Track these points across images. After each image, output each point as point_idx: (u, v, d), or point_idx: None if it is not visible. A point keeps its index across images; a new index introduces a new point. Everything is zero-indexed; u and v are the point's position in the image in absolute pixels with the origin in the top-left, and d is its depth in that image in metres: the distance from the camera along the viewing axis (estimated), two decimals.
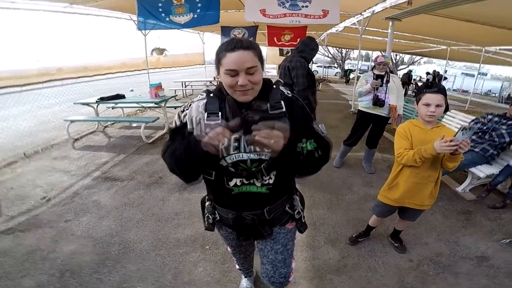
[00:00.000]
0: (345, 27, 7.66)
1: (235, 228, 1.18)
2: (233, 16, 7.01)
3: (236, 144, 1.00)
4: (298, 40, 8.37)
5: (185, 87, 10.14)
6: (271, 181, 1.08)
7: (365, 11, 5.54)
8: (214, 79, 9.91)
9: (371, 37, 8.77)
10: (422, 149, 1.64)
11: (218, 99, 1.06)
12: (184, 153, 0.97)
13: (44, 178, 3.49)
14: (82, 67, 6.75)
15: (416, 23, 5.55)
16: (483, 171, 3.10)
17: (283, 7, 4.06)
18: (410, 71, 15.34)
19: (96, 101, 5.18)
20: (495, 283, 2.03)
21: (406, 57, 24.79)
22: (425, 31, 7.03)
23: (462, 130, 1.44)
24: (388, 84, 3.37)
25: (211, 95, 1.08)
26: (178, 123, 1.09)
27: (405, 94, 13.43)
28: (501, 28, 4.93)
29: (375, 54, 18.82)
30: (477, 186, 3.37)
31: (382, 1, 4.55)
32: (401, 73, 15.56)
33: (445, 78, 13.71)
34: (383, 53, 4.05)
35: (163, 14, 4.84)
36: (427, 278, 2.05)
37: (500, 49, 8.05)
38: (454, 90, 20.78)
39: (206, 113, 1.02)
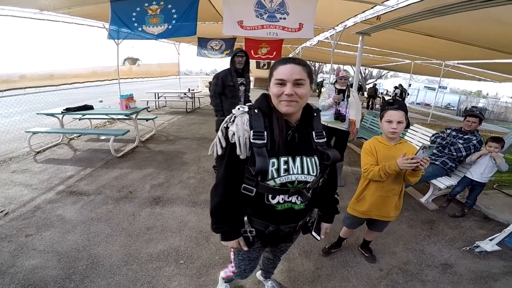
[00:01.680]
0: (318, 41, 7.94)
1: (266, 237, 1.26)
2: (210, 28, 7.07)
3: (286, 166, 1.08)
4: (275, 53, 8.67)
5: (158, 98, 9.92)
6: (309, 197, 1.18)
7: (337, 25, 5.79)
8: (189, 90, 9.81)
9: (342, 51, 9.16)
10: (386, 165, 1.76)
11: (263, 116, 1.09)
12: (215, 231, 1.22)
13: (1, 191, 3.28)
14: (48, 75, 6.45)
15: (383, 38, 5.87)
16: (443, 182, 3.34)
17: (260, 18, 4.08)
18: (375, 84, 16.12)
19: (62, 112, 4.91)
20: None
21: (375, 71, 26.17)
22: (391, 45, 7.44)
23: (422, 149, 1.59)
24: (349, 99, 3.51)
25: (256, 110, 1.10)
26: (224, 143, 1.10)
27: (372, 108, 14.14)
28: (458, 42, 5.31)
29: (346, 67, 19.71)
30: (438, 196, 3.61)
31: (353, 16, 4.78)
32: (368, 87, 16.31)
33: (408, 94, 14.53)
34: (344, 68, 4.27)
35: (135, 24, 4.72)
36: (397, 287, 2.13)
37: (458, 63, 8.67)
38: (417, 103, 22.15)
39: (252, 132, 1.05)
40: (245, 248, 1.25)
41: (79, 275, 2.06)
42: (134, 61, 8.41)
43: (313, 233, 1.34)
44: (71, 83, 6.84)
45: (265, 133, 1.05)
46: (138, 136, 5.30)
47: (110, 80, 7.86)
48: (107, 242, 2.44)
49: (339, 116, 3.49)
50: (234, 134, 1.06)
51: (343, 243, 2.49)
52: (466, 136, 3.24)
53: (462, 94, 23.18)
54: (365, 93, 16.45)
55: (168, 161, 4.43)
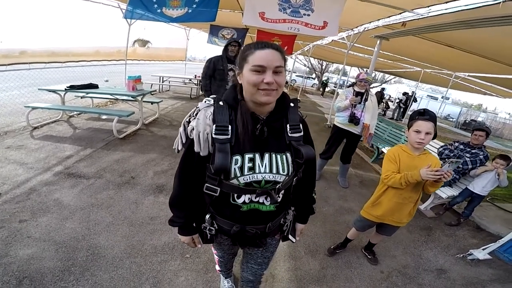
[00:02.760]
0: (332, 40, 7.84)
1: (234, 237, 1.15)
2: (225, 16, 6.90)
3: (251, 164, 0.98)
4: (286, 48, 8.54)
5: (163, 82, 9.82)
6: (279, 199, 1.08)
7: (357, 27, 5.69)
8: (195, 77, 9.70)
9: (355, 53, 9.08)
10: (408, 174, 1.76)
11: (229, 109, 1.00)
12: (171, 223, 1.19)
13: None
14: (50, 52, 6.23)
15: (399, 44, 5.79)
16: (445, 192, 3.45)
17: (283, 12, 3.96)
18: (383, 89, 16.10)
19: (65, 89, 4.79)
20: None
21: (378, 76, 26.12)
22: (405, 52, 7.38)
23: (449, 163, 1.60)
24: (366, 103, 3.46)
25: (221, 103, 1.00)
26: (184, 139, 1.03)
27: None
28: (476, 55, 5.23)
29: (353, 69, 19.56)
30: (436, 204, 3.68)
31: (376, 20, 4.68)
32: (373, 90, 16.30)
33: (415, 100, 14.53)
34: (366, 70, 4.20)
35: (155, 5, 4.57)
36: None
37: (469, 75, 8.62)
38: None
39: (214, 126, 0.96)
40: (198, 245, 1.23)
41: (79, 267, 1.93)
42: (144, 43, 8.23)
43: (289, 236, 1.28)
44: (78, 61, 6.72)
45: (230, 127, 0.96)
46: (142, 119, 5.22)
47: (117, 60, 7.73)
48: (108, 232, 2.31)
49: (353, 119, 3.46)
50: (193, 129, 0.97)
51: (348, 244, 2.52)
52: (473, 151, 3.30)
53: (463, 106, 23.26)
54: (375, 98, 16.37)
55: (172, 147, 4.24)
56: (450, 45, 5.10)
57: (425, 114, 1.78)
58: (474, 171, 3.21)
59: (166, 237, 2.33)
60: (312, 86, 26.09)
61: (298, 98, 1.13)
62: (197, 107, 1.02)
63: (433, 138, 1.82)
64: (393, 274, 2.37)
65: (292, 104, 1.07)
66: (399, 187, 1.84)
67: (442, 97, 17.83)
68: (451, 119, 21.62)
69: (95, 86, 5.13)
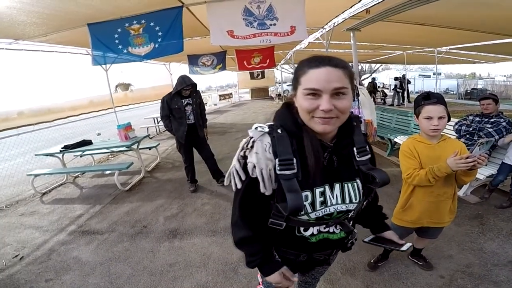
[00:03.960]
0: (309, 43, 7.82)
1: (297, 265, 1.04)
2: (199, 44, 6.91)
3: (322, 198, 0.87)
4: (268, 61, 8.53)
5: (158, 123, 9.71)
6: (351, 228, 1.00)
7: (326, 24, 5.66)
8: None
9: (335, 50, 9.05)
10: (435, 168, 1.55)
11: (289, 137, 0.84)
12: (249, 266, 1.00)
13: (12, 235, 3.25)
14: (45, 109, 6.21)
15: (374, 32, 5.76)
16: (482, 173, 3.06)
17: (251, 27, 3.93)
18: (374, 79, 16.03)
19: (60, 151, 4.70)
20: None
21: (366, 66, 26.24)
22: (382, 38, 7.35)
23: (479, 145, 1.40)
24: (359, 98, 3.28)
25: (279, 131, 0.84)
26: (243, 176, 0.88)
27: (374, 103, 13.97)
28: (449, 28, 5.24)
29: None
30: (476, 187, 3.34)
31: (341, 13, 4.64)
32: (365, 82, 16.21)
33: (409, 82, 14.41)
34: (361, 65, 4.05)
35: (120, 46, 4.45)
36: None
37: (450, 48, 8.60)
38: (416, 92, 22.03)
39: (277, 160, 0.81)
40: (295, 279, 1.02)
41: None
42: (126, 86, 8.25)
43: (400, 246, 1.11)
44: (66, 117, 6.61)
45: (294, 160, 0.82)
46: (143, 167, 5.09)
47: (105, 109, 7.64)
48: (130, 284, 2.28)
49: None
50: (255, 166, 0.82)
51: (390, 254, 2.25)
52: (492, 120, 3.06)
53: (458, 78, 23.15)
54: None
55: (178, 189, 4.21)
56: (421, 23, 5.06)
57: (431, 97, 1.59)
58: (503, 140, 2.94)
59: (188, 283, 2.25)
60: (291, 94, 26.03)
61: (361, 116, 0.97)
62: (250, 138, 0.87)
63: (448, 121, 1.62)
64: (457, 276, 2.06)
65: (355, 123, 0.92)
66: (427, 184, 1.61)
67: (434, 74, 17.73)
68: (452, 92, 21.39)
69: (88, 143, 5.01)
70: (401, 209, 1.86)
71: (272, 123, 0.91)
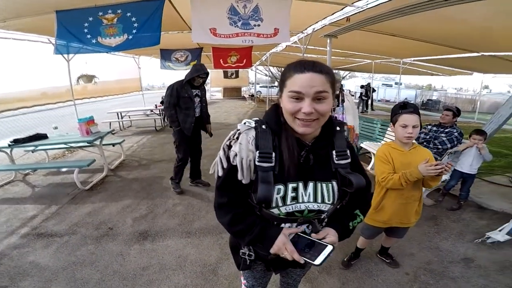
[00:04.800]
0: (286, 46, 7.93)
1: (270, 262, 1.05)
2: (174, 38, 6.65)
3: (294, 194, 0.92)
4: (245, 61, 8.49)
5: (122, 118, 9.18)
6: (320, 228, 0.99)
7: (306, 29, 5.78)
8: (156, 107, 9.23)
9: (310, 55, 9.28)
10: (407, 173, 1.69)
11: (272, 133, 0.92)
12: (250, 238, 0.95)
13: None
14: None
15: (348, 40, 5.96)
16: None
17: (235, 26, 3.87)
18: (342, 85, 16.68)
19: (9, 145, 4.17)
20: (491, 281, 2.14)
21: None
22: (355, 46, 7.64)
23: (448, 154, 1.52)
24: (344, 104, 3.38)
25: (264, 126, 0.93)
26: (225, 164, 0.95)
27: None
28: (417, 40, 5.59)
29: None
30: (431, 191, 3.67)
31: (322, 19, 4.78)
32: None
33: (374, 90, 15.28)
34: (334, 71, 4.17)
35: (88, 36, 4.13)
36: None
37: (414, 60, 9.26)
38: (379, 100, 23.43)
39: (258, 152, 0.89)
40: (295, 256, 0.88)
41: None
42: (89, 78, 7.68)
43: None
44: (16, 109, 5.94)
45: (273, 154, 0.89)
46: (106, 164, 4.74)
47: (63, 102, 7.01)
48: None
49: None
50: (236, 155, 0.90)
51: (361, 253, 2.38)
52: (447, 130, 3.40)
53: (417, 89, 24.97)
54: (352, 98, 16.97)
55: (146, 189, 3.99)
56: (393, 34, 5.37)
57: (408, 107, 1.72)
58: (457, 149, 3.25)
59: (165, 286, 2.15)
60: (277, 95, 26.26)
61: (344, 121, 0.99)
62: (237, 130, 0.96)
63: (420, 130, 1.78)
64: (420, 273, 2.25)
65: (338, 128, 0.99)
66: (399, 187, 1.75)
67: (396, 83, 18.99)
68: (410, 102, 22.98)
69: (43, 137, 4.52)
70: (374, 210, 1.98)
71: (260, 119, 0.98)
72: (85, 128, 4.44)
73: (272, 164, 0.88)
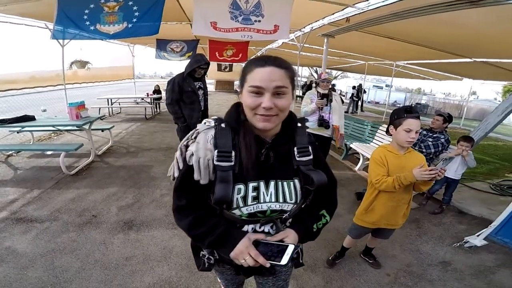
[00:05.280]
0: (283, 42, 7.92)
1: (236, 267, 1.01)
2: (172, 29, 6.57)
3: (255, 193, 0.88)
4: (241, 55, 8.44)
5: (112, 104, 9.02)
6: (282, 228, 0.95)
7: (304, 27, 5.78)
8: (147, 95, 9.10)
9: (306, 53, 9.29)
10: (401, 176, 1.70)
11: (232, 131, 0.90)
12: (210, 240, 0.88)
13: None
14: None
15: (344, 40, 6.00)
16: None
17: (235, 21, 3.86)
18: (334, 85, 16.86)
19: None
20: (466, 285, 2.22)
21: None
22: (349, 47, 7.70)
23: (442, 160, 1.56)
24: (332, 103, 3.41)
25: (223, 125, 0.90)
26: (181, 165, 0.92)
27: None
28: (412, 44, 5.64)
29: (305, 69, 20.23)
30: (415, 195, 3.68)
31: (321, 18, 4.78)
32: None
33: (365, 92, 15.45)
34: (327, 70, 4.21)
35: (87, 23, 4.08)
36: None
37: (407, 63, 9.38)
38: (369, 102, 23.71)
39: (216, 152, 0.85)
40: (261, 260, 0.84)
41: None
42: (83, 64, 7.50)
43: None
44: (5, 90, 5.78)
45: (233, 153, 0.86)
46: (94, 150, 4.65)
47: (54, 85, 6.86)
48: (81, 278, 2.07)
49: (323, 123, 3.38)
50: (192, 154, 0.87)
51: (346, 252, 2.41)
52: (435, 135, 3.44)
53: (406, 92, 25.39)
54: (339, 97, 17.05)
55: (133, 177, 3.94)
56: (390, 37, 5.41)
57: (413, 111, 1.72)
58: (446, 154, 3.29)
59: (149, 277, 2.11)
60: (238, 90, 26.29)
61: (306, 117, 0.97)
62: (196, 129, 0.92)
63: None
64: (400, 275, 2.31)
65: (299, 124, 0.97)
66: (392, 190, 1.76)
67: (387, 86, 19.24)
68: (398, 105, 23.39)
69: (31, 118, 4.42)
70: (364, 211, 2.01)
71: (220, 117, 0.94)
72: (75, 112, 4.39)
73: (232, 163, 0.85)
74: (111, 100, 8.92)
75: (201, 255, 1.05)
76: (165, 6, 3.95)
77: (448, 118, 3.49)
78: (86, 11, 4.04)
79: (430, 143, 3.36)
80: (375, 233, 2.18)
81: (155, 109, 9.66)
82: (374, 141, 4.92)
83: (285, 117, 0.89)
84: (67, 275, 2.09)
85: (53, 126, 4.51)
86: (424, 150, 3.38)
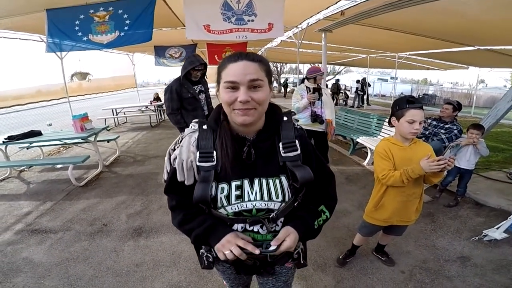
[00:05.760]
0: (281, 41, 7.89)
1: (235, 265, 1.01)
2: (168, 35, 6.62)
3: (239, 192, 0.88)
4: None
5: (117, 114, 9.11)
6: (277, 228, 0.93)
7: (300, 23, 5.75)
8: (151, 103, 9.16)
9: (305, 50, 9.23)
10: (409, 169, 1.61)
11: (213, 132, 0.91)
12: (196, 233, 0.91)
13: None
14: None
15: (343, 34, 5.97)
16: None
17: (228, 22, 3.85)
18: (338, 80, 16.71)
19: (4, 142, 4.16)
20: (487, 280, 2.10)
21: (329, 68, 27.23)
22: (350, 41, 7.64)
23: (450, 148, 1.47)
24: (322, 98, 3.37)
25: (204, 126, 0.92)
26: (169, 168, 0.95)
27: (336, 104, 14.50)
28: (412, 34, 5.59)
29: (306, 67, 20.14)
30: (428, 187, 3.57)
31: (316, 13, 4.74)
32: (329, 83, 16.80)
33: (369, 85, 15.25)
34: (318, 64, 4.19)
35: (79, 33, 4.14)
36: (426, 287, 2.06)
37: (409, 54, 9.24)
38: (375, 95, 23.44)
39: (198, 153, 0.88)
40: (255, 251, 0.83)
41: None
42: (83, 75, 7.63)
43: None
44: (10, 106, 5.92)
45: (214, 153, 0.88)
46: (101, 160, 4.71)
47: (58, 99, 6.98)
48: (93, 286, 2.11)
49: (317, 118, 3.33)
50: (176, 158, 0.90)
51: (357, 250, 2.33)
52: (447, 126, 3.34)
53: (412, 83, 25.04)
54: (329, 90, 16.94)
55: (141, 185, 3.96)
56: (388, 28, 5.35)
57: (416, 102, 1.65)
58: (458, 141, 3.15)
59: (159, 283, 2.12)
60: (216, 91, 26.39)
61: (293, 111, 0.97)
62: (182, 135, 0.95)
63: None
64: (415, 271, 2.20)
65: (285, 118, 0.94)
66: (401, 185, 1.67)
67: (391, 78, 18.99)
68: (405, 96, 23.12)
69: (38, 133, 4.49)
70: (374, 208, 1.92)
71: (202, 120, 0.97)
72: (79, 125, 4.43)
73: (213, 163, 0.87)
74: (115, 110, 9.02)
75: (200, 253, 1.04)
76: (158, 13, 3.97)
77: (458, 106, 3.39)
78: (77, 22, 4.09)
79: (443, 136, 3.26)
80: (387, 230, 2.08)
81: (160, 116, 9.71)
82: (381, 134, 4.83)
83: (264, 110, 0.88)
84: (81, 283, 2.13)
85: (59, 140, 4.58)
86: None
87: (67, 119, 6.45)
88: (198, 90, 3.28)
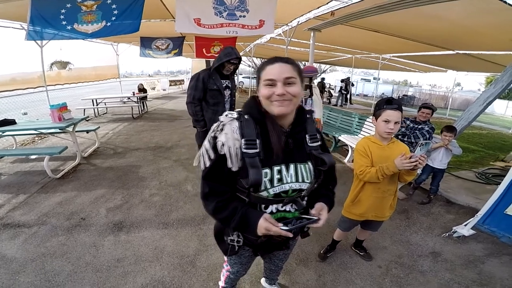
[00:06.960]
0: (271, 38, 7.87)
1: (258, 246, 1.15)
2: (155, 26, 6.43)
3: (279, 176, 1.02)
4: None
5: (97, 104, 8.79)
6: (304, 205, 1.13)
7: (291, 21, 5.75)
8: (133, 94, 8.92)
9: (294, 48, 9.26)
10: (384, 166, 1.71)
11: (254, 122, 1.01)
12: (234, 225, 1.02)
13: None
14: None
15: (331, 34, 6.04)
16: None
17: (220, 16, 3.80)
18: (323, 79, 16.91)
19: None
20: (457, 275, 2.23)
21: (315, 66, 27.43)
22: (337, 41, 7.72)
23: (420, 146, 1.57)
24: (312, 97, 3.39)
25: (247, 116, 1.02)
26: (212, 154, 1.01)
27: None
28: (397, 37, 5.73)
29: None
30: (403, 185, 3.77)
31: (307, 12, 4.77)
32: (315, 82, 16.93)
33: (353, 85, 15.57)
34: (304, 63, 4.22)
35: (64, 22, 3.95)
36: (401, 281, 2.16)
37: (392, 56, 9.50)
38: (357, 95, 23.93)
39: (243, 140, 0.97)
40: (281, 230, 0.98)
41: None
42: (64, 65, 7.28)
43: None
44: None
45: (257, 141, 0.98)
46: (80, 152, 4.54)
47: (34, 87, 6.64)
48: (73, 281, 2.05)
49: None
50: (223, 144, 0.98)
51: (337, 245, 2.42)
52: (420, 126, 3.47)
53: (393, 84, 25.72)
54: (318, 89, 17.04)
55: (121, 178, 3.86)
56: (375, 30, 5.46)
57: (393, 103, 1.74)
58: (428, 142, 3.35)
59: (142, 278, 2.10)
60: (255, 87, 26.17)
61: (313, 110, 1.09)
62: (220, 122, 1.03)
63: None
64: (391, 266, 2.32)
65: (308, 116, 1.13)
66: (376, 181, 1.78)
67: (374, 78, 19.44)
68: (386, 97, 23.73)
69: (11, 122, 4.27)
70: (351, 203, 2.02)
71: (240, 110, 1.06)
72: (57, 114, 4.24)
73: (257, 150, 0.97)
74: (96, 100, 8.69)
75: (229, 240, 1.15)
76: (147, 4, 3.86)
77: (434, 108, 3.55)
78: (63, 11, 3.92)
79: (418, 132, 3.38)
80: (364, 225, 2.20)
81: (142, 108, 9.49)
82: (362, 132, 4.97)
83: (297, 104, 1.03)
84: (59, 279, 2.07)
85: (35, 129, 4.36)
86: (414, 141, 3.40)
87: (43, 108, 6.19)
88: (225, 85, 3.11)
